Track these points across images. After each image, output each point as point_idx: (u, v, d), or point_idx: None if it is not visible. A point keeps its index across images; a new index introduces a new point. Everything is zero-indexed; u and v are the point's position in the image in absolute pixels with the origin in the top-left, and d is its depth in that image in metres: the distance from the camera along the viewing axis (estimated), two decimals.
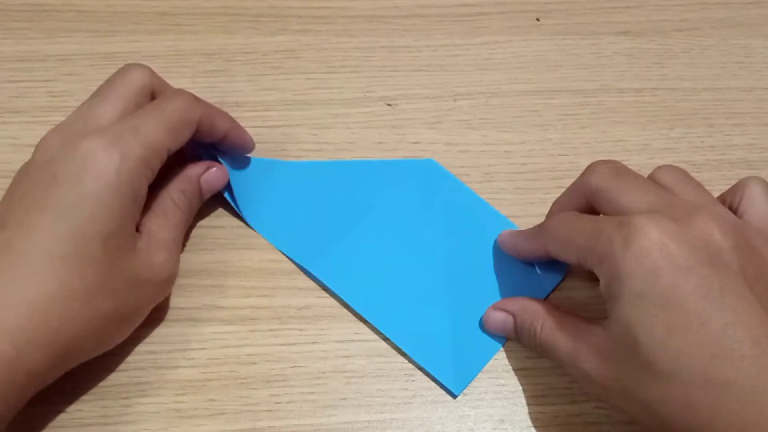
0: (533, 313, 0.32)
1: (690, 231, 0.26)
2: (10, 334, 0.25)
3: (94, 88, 0.40)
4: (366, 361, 0.34)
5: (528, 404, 0.33)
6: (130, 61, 0.33)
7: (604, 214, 0.30)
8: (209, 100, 0.40)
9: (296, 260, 0.35)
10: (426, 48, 0.43)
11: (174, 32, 0.42)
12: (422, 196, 0.37)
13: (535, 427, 0.33)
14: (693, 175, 0.32)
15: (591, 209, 0.31)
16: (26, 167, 0.30)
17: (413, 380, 0.34)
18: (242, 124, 0.40)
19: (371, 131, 0.40)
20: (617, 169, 0.31)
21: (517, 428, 0.33)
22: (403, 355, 0.34)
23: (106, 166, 0.28)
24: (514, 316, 0.33)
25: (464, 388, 0.33)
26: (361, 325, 0.35)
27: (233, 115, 0.40)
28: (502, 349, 0.34)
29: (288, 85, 0.41)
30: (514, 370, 0.34)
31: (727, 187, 0.39)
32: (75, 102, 0.40)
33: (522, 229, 0.35)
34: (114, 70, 0.41)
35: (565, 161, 0.40)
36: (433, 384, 0.33)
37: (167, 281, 0.31)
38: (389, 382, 0.33)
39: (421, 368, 0.34)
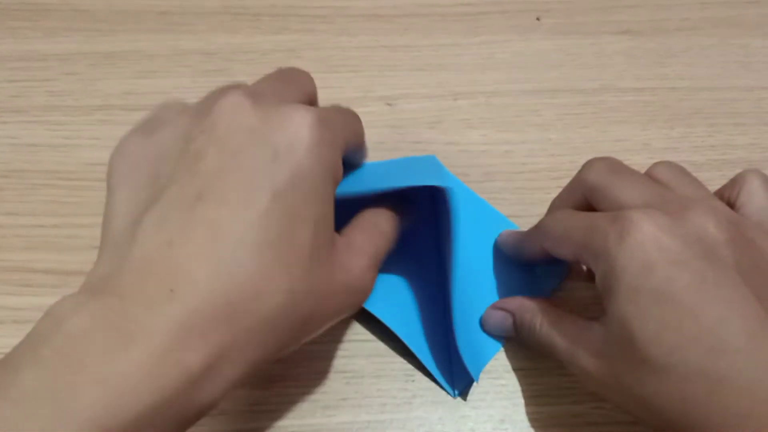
0: (532, 310, 0.32)
1: (684, 225, 0.26)
2: (206, 338, 0.21)
3: (94, 88, 0.40)
4: (366, 361, 0.34)
5: (528, 404, 0.33)
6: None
7: (601, 210, 0.30)
8: None
9: None
10: (426, 47, 0.43)
11: (174, 31, 0.42)
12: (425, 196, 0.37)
13: (535, 427, 0.33)
14: (694, 174, 0.32)
15: (588, 206, 0.31)
16: (213, 125, 0.24)
17: (413, 380, 0.34)
18: None
19: (371, 131, 0.40)
20: (613, 165, 0.31)
21: (518, 428, 0.33)
22: (403, 355, 0.34)
23: (320, 141, 0.24)
24: (513, 314, 0.33)
25: (464, 389, 0.33)
26: (361, 325, 0.35)
27: None
28: (502, 349, 0.34)
29: None
30: (514, 370, 0.34)
31: None
32: (74, 102, 0.40)
33: (521, 229, 0.35)
34: (114, 69, 0.41)
35: (565, 161, 0.40)
36: (433, 384, 0.33)
37: (361, 292, 0.28)
38: (389, 382, 0.33)
39: (421, 368, 0.34)
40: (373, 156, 0.39)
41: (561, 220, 0.31)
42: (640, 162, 0.40)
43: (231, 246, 0.22)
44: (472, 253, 0.36)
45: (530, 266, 0.36)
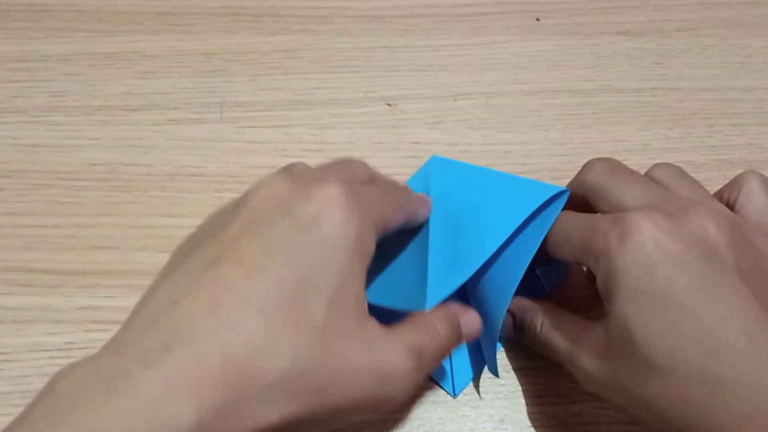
0: (532, 311, 0.32)
1: (685, 226, 0.26)
2: (197, 394, 0.20)
3: (94, 88, 0.40)
4: None
5: (528, 404, 0.33)
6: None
7: (601, 211, 0.30)
8: (209, 101, 0.40)
9: None
10: (426, 48, 0.43)
11: (174, 32, 0.42)
12: (437, 191, 0.36)
13: (535, 427, 0.33)
14: (693, 175, 0.32)
15: (588, 206, 0.31)
16: (245, 201, 0.25)
17: None
18: (242, 124, 0.40)
19: (371, 131, 0.40)
20: (613, 166, 0.31)
21: (517, 428, 0.33)
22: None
23: (348, 213, 0.24)
24: (513, 315, 0.33)
25: (464, 388, 0.33)
26: None
27: (233, 115, 0.41)
28: (502, 349, 0.34)
29: (288, 85, 0.41)
30: (514, 370, 0.34)
31: None
32: (75, 102, 0.40)
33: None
34: (114, 70, 0.41)
35: (565, 161, 0.40)
36: (432, 384, 0.33)
37: (395, 380, 0.25)
38: None
39: None
40: (372, 156, 0.39)
41: (561, 222, 0.31)
42: (639, 162, 0.40)
43: (235, 304, 0.22)
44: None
45: (531, 266, 0.36)
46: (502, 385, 0.34)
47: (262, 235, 0.23)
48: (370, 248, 0.26)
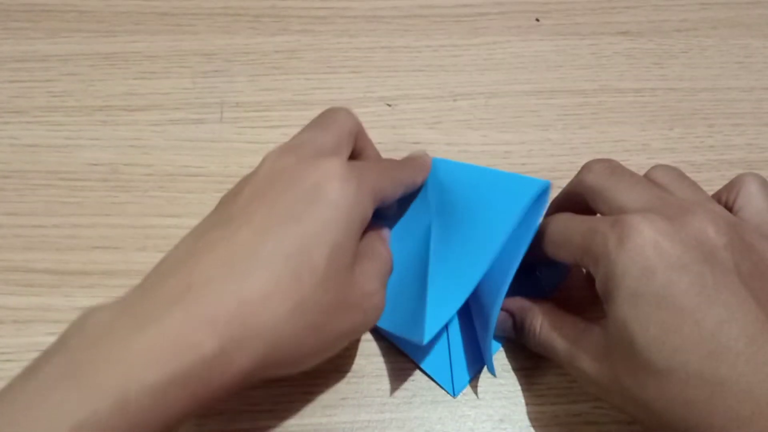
0: (532, 312, 0.32)
1: (684, 229, 0.27)
2: (216, 328, 0.23)
3: (95, 89, 0.40)
4: (366, 361, 0.34)
5: (528, 404, 0.33)
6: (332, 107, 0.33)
7: (600, 213, 0.30)
8: (209, 101, 0.40)
9: None
10: (426, 48, 0.43)
11: (174, 32, 0.42)
12: (435, 193, 0.37)
13: (535, 427, 0.33)
14: (693, 175, 0.32)
15: (587, 208, 0.31)
16: (255, 173, 0.28)
17: (413, 380, 0.34)
18: (242, 124, 0.40)
19: (371, 131, 0.40)
20: (612, 167, 0.31)
21: (517, 428, 0.33)
22: (403, 355, 0.34)
23: (347, 183, 0.27)
24: (513, 315, 0.33)
25: (463, 389, 0.33)
26: None
27: (233, 115, 0.40)
28: (501, 349, 0.34)
29: (288, 86, 0.41)
30: (514, 370, 0.34)
31: None
32: (75, 102, 0.40)
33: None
34: (114, 71, 0.41)
35: (565, 161, 0.40)
36: (433, 384, 0.33)
37: (373, 311, 0.29)
38: (389, 382, 0.33)
39: (420, 368, 0.34)
40: None
41: (560, 224, 0.31)
42: (639, 162, 0.40)
43: (246, 256, 0.25)
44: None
45: (531, 267, 0.36)
46: (502, 384, 0.34)
47: (270, 199, 0.26)
48: (368, 213, 0.28)
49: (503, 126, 0.41)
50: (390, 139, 0.40)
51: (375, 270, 0.30)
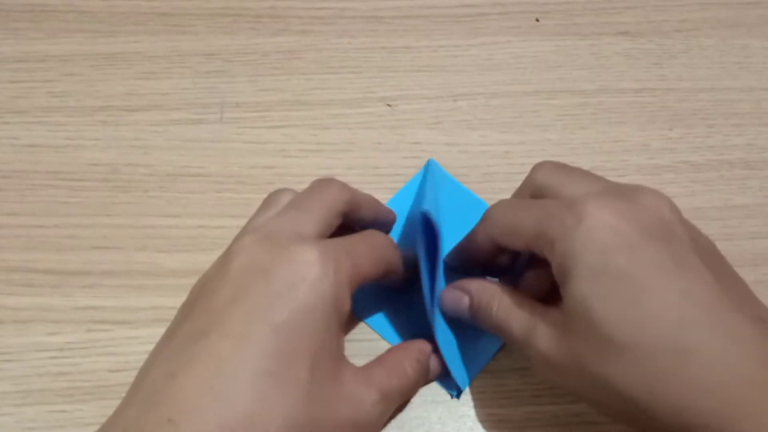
0: (490, 292, 0.31)
1: (640, 207, 0.27)
2: None
3: (95, 89, 0.40)
4: (366, 361, 0.34)
5: (527, 404, 0.33)
6: (325, 178, 0.32)
7: None
8: (209, 101, 0.40)
9: None
10: (426, 48, 0.43)
11: (174, 33, 0.42)
12: (420, 198, 0.37)
13: (534, 426, 0.33)
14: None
15: None
16: (227, 269, 0.27)
17: None
18: (242, 124, 0.40)
19: (371, 131, 0.40)
20: (561, 165, 0.32)
21: (517, 428, 0.33)
22: None
23: (322, 277, 0.26)
24: (470, 295, 0.32)
25: (464, 389, 0.33)
26: (361, 325, 0.35)
27: (233, 115, 0.41)
28: (501, 349, 0.34)
29: (288, 86, 0.41)
30: (514, 369, 0.34)
31: (726, 187, 0.40)
32: (76, 102, 0.40)
33: None
34: (114, 71, 0.41)
35: (565, 161, 0.39)
36: (432, 383, 0.33)
37: (371, 425, 0.28)
38: None
39: None
40: (372, 156, 0.39)
41: (508, 210, 0.30)
42: (639, 162, 0.40)
43: (229, 377, 0.24)
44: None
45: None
46: (502, 385, 0.34)
47: (246, 304, 0.25)
48: (346, 306, 0.28)
49: (503, 126, 0.41)
50: (390, 139, 0.40)
51: (384, 383, 0.29)
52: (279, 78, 0.41)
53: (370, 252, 0.30)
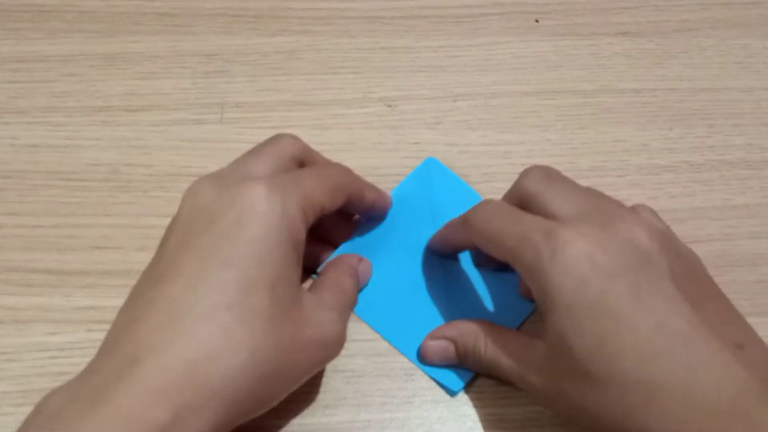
0: (474, 334, 0.32)
1: (617, 236, 0.27)
2: (167, 397, 0.23)
3: (95, 89, 0.41)
4: (366, 361, 0.34)
5: (527, 404, 0.33)
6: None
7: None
8: (209, 101, 0.41)
9: None
10: (426, 49, 0.43)
11: (174, 33, 0.42)
12: (423, 194, 0.37)
13: (534, 426, 0.33)
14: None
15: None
16: (176, 217, 0.28)
17: (413, 380, 0.34)
18: (242, 124, 0.40)
19: (371, 132, 0.40)
20: (549, 173, 0.31)
21: (517, 428, 0.33)
22: (403, 355, 0.34)
23: (269, 210, 0.26)
24: (454, 341, 0.33)
25: (463, 388, 0.33)
26: (362, 325, 0.35)
27: (233, 115, 0.40)
28: None
29: (288, 86, 0.41)
30: None
31: (726, 187, 0.40)
32: (75, 102, 0.40)
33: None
34: (114, 71, 0.41)
35: (565, 162, 0.40)
36: (432, 383, 0.33)
37: (334, 343, 0.29)
38: (389, 382, 0.33)
39: (421, 368, 0.34)
40: (372, 156, 0.39)
41: (490, 218, 0.30)
42: (639, 162, 0.40)
43: (184, 314, 0.24)
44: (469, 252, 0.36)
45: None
46: (502, 385, 0.34)
47: (194, 247, 0.26)
48: (300, 236, 0.28)
49: (503, 126, 0.41)
50: (390, 140, 0.40)
51: (333, 301, 0.29)
52: (279, 78, 0.41)
53: (321, 181, 0.30)
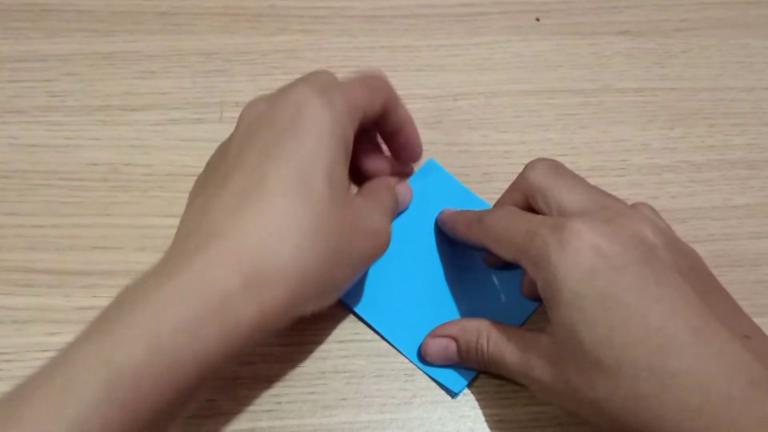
0: (475, 331, 0.32)
1: (623, 231, 0.27)
2: (240, 265, 0.24)
3: (94, 88, 0.40)
4: (366, 361, 0.34)
5: (527, 404, 0.33)
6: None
7: (540, 212, 0.31)
8: (209, 100, 0.40)
9: None
10: (426, 48, 0.43)
11: (174, 32, 0.42)
12: (422, 197, 0.37)
13: (534, 427, 0.33)
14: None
15: (529, 205, 0.32)
16: (235, 130, 0.30)
17: (413, 380, 0.34)
18: None
19: None
20: (555, 167, 0.32)
21: (517, 428, 0.33)
22: (403, 355, 0.34)
23: (321, 109, 0.28)
24: (456, 339, 0.32)
25: (463, 388, 0.33)
26: (361, 325, 0.35)
27: (233, 115, 0.40)
28: None
29: None
30: None
31: (727, 187, 0.40)
32: (75, 102, 0.40)
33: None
34: (114, 70, 0.41)
35: (565, 161, 0.39)
36: (432, 384, 0.33)
37: (384, 235, 0.30)
38: (389, 382, 0.33)
39: (421, 368, 0.34)
40: None
41: (502, 220, 0.31)
42: (639, 162, 0.40)
43: (254, 197, 0.26)
44: (469, 253, 0.36)
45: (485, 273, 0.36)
46: (502, 385, 0.34)
47: (257, 146, 0.27)
48: (348, 134, 0.29)
49: (503, 126, 0.41)
50: None
51: (377, 206, 0.31)
52: (279, 77, 0.41)
53: (361, 84, 0.31)
